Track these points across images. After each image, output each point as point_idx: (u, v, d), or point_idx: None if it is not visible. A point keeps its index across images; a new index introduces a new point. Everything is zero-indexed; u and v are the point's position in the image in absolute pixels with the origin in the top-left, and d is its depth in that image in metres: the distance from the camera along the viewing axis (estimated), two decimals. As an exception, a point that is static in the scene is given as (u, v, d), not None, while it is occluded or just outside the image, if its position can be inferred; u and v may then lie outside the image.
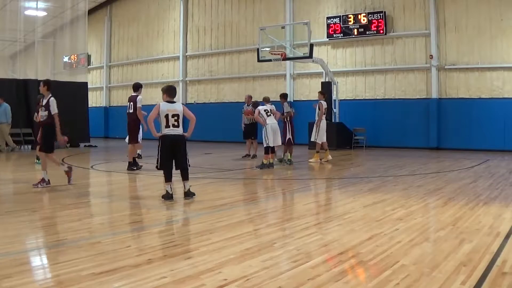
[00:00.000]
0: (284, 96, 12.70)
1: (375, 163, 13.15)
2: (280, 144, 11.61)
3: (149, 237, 5.07)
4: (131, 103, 10.88)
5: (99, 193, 8.57)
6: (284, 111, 12.24)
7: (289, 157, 12.30)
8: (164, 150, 6.98)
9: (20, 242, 4.80)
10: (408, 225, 5.43)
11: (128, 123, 11.19)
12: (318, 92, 13.99)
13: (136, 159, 11.62)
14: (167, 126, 6.92)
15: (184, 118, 7.15)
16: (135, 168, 10.97)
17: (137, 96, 10.84)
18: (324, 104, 12.96)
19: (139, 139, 11.39)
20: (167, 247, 4.57)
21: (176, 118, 6.92)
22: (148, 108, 15.20)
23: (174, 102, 7.07)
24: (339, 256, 4.21)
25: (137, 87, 11.11)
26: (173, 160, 7.03)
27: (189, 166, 7.19)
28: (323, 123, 12.88)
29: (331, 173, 11.39)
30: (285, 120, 12.19)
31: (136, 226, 5.49)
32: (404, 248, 4.43)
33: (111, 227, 5.65)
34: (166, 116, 6.90)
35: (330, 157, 13.09)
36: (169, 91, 7.11)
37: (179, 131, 6.99)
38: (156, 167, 7.09)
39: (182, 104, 7.17)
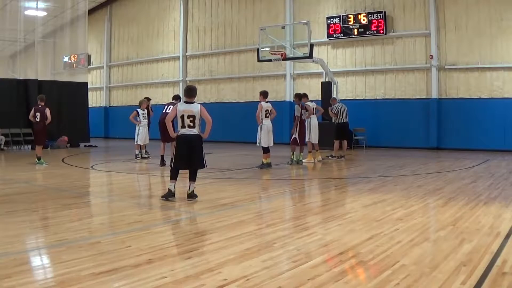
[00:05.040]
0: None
1: (375, 163, 13.14)
2: (272, 145, 11.64)
3: (149, 237, 5.07)
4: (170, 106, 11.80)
5: (99, 193, 8.58)
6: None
7: (291, 157, 12.40)
8: (178, 149, 7.04)
9: (20, 242, 4.81)
10: (408, 225, 5.43)
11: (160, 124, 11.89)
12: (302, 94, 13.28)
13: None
14: (183, 126, 6.97)
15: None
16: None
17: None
18: (311, 104, 12.94)
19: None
20: (167, 247, 4.57)
21: (191, 119, 6.94)
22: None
23: (192, 102, 7.07)
24: (339, 256, 4.21)
25: (177, 98, 12.35)
26: (189, 160, 7.04)
27: (206, 166, 7.22)
28: (314, 123, 12.87)
29: (331, 173, 11.39)
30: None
31: (136, 226, 5.48)
32: (404, 248, 4.43)
33: (111, 227, 5.66)
34: (182, 116, 6.95)
35: (313, 159, 13.04)
36: (186, 92, 7.16)
37: (195, 131, 7.00)
38: (170, 165, 7.15)
39: (201, 104, 7.14)
